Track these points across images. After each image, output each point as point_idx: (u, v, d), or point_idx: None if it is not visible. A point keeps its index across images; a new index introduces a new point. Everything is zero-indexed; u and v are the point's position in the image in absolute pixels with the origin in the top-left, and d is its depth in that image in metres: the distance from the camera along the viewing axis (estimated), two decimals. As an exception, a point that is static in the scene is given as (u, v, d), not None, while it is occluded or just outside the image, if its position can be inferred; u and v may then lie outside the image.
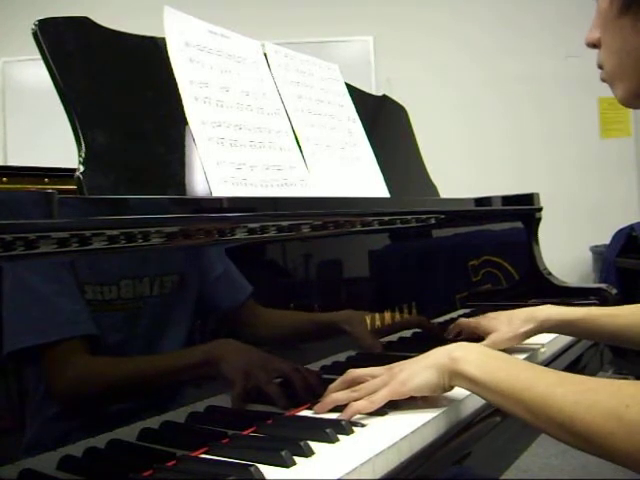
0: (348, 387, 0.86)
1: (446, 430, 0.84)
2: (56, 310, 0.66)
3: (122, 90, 0.92)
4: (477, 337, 1.16)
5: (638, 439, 0.62)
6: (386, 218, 1.16)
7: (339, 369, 0.92)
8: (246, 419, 0.80)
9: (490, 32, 4.17)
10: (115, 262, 0.72)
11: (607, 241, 3.58)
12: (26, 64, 3.94)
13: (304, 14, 4.16)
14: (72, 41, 0.87)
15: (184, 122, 0.96)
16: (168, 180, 0.92)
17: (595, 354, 1.41)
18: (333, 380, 0.89)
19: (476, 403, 0.89)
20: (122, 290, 0.72)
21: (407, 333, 1.19)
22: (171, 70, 0.99)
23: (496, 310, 1.22)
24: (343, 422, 0.77)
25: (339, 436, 0.74)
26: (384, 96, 1.67)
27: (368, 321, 1.08)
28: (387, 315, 1.12)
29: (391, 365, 0.87)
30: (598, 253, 3.84)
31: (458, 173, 3.52)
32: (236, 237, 0.84)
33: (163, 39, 1.01)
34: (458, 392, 0.86)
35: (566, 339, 1.29)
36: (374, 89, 3.91)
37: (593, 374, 1.39)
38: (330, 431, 0.74)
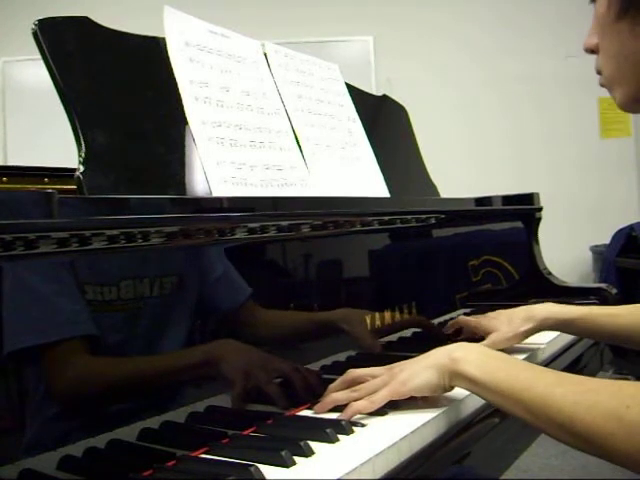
0: (348, 387, 0.86)
1: (446, 430, 0.84)
2: (56, 310, 0.66)
3: (122, 90, 0.92)
4: (477, 337, 1.16)
5: (638, 440, 0.62)
6: (386, 218, 1.16)
7: (339, 369, 0.92)
8: (246, 419, 0.80)
9: (490, 32, 4.17)
10: (115, 263, 0.72)
11: (607, 241, 3.58)
12: (26, 64, 3.94)
13: (304, 14, 4.16)
14: (72, 41, 0.87)
15: (184, 122, 0.96)
16: (168, 180, 0.92)
17: (595, 354, 1.41)
18: (333, 380, 0.89)
19: (476, 403, 0.89)
20: (122, 291, 0.72)
21: (407, 333, 1.19)
22: (171, 70, 0.99)
23: (496, 310, 1.22)
24: (343, 422, 0.77)
25: (339, 436, 0.74)
26: (384, 96, 1.67)
27: (368, 321, 1.08)
28: (387, 315, 1.12)
29: (391, 365, 0.87)
30: (598, 253, 3.84)
31: (458, 173, 3.52)
32: (236, 237, 0.84)
33: (163, 39, 1.01)
34: (458, 392, 0.86)
35: (566, 339, 1.29)
36: (374, 89, 3.91)
37: (593, 374, 1.39)
38: (330, 431, 0.74)
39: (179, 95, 0.97)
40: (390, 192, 1.35)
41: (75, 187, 0.79)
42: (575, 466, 2.38)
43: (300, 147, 1.16)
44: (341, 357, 1.02)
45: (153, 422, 0.72)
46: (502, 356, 0.83)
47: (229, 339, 0.84)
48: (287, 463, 0.67)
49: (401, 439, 0.74)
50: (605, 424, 0.64)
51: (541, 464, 2.42)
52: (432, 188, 1.71)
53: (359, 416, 0.81)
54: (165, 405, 0.75)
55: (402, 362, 0.87)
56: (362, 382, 0.86)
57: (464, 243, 1.50)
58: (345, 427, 0.76)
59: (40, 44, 0.83)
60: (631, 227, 3.42)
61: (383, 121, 1.63)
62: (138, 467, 0.66)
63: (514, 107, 4.13)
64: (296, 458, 0.68)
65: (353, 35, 4.23)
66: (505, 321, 1.14)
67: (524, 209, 1.71)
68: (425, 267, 1.34)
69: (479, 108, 4.13)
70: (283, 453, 0.67)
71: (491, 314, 1.19)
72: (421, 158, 1.72)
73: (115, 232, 0.68)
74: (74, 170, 0.80)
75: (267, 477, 0.64)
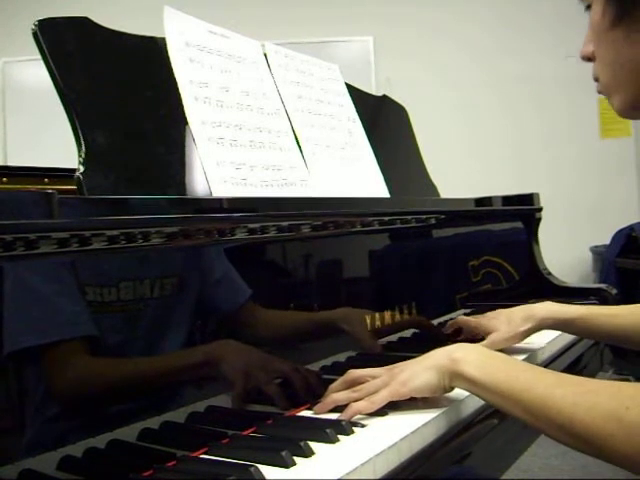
0: (348, 387, 0.86)
1: (446, 430, 0.84)
2: (56, 311, 0.66)
3: (122, 90, 0.92)
4: (477, 337, 1.16)
5: (638, 441, 0.62)
6: (386, 218, 1.16)
7: (339, 369, 0.92)
8: (246, 419, 0.80)
9: (490, 32, 4.17)
10: (116, 264, 0.72)
11: (607, 241, 3.58)
12: (26, 64, 3.94)
13: (304, 14, 4.16)
14: (72, 41, 0.87)
15: (184, 122, 0.96)
16: (168, 180, 0.92)
17: (595, 354, 1.41)
18: (333, 380, 0.89)
19: (476, 403, 0.89)
20: (122, 292, 0.72)
21: (407, 333, 1.19)
22: (171, 70, 0.99)
23: (496, 310, 1.22)
24: (343, 422, 0.77)
25: (339, 436, 0.74)
26: (384, 96, 1.67)
27: (368, 321, 1.08)
28: (387, 315, 1.12)
29: (391, 366, 0.87)
30: (598, 253, 3.84)
31: (458, 173, 3.51)
32: (236, 237, 0.84)
33: (163, 39, 1.01)
34: (458, 392, 0.86)
35: (566, 339, 1.29)
36: (374, 89, 3.91)
37: (593, 374, 1.39)
38: (330, 431, 0.74)
39: (179, 95, 0.97)
40: (390, 192, 1.35)
41: (75, 187, 0.79)
42: (575, 466, 2.38)
43: (300, 147, 1.16)
44: (341, 357, 1.02)
45: (153, 422, 0.72)
46: (502, 357, 0.83)
47: (229, 339, 0.84)
48: (287, 463, 0.67)
49: (401, 439, 0.74)
50: (605, 425, 0.64)
51: (541, 464, 2.42)
52: (432, 188, 1.71)
53: (359, 416, 0.81)
54: (165, 405, 0.75)
55: (402, 363, 0.87)
56: (362, 382, 0.86)
57: (464, 243, 1.50)
58: (345, 427, 0.76)
59: (40, 44, 0.83)
60: (631, 227, 3.42)
61: (383, 121, 1.63)
62: (138, 467, 0.66)
63: (514, 107, 4.13)
64: (296, 458, 0.68)
65: (353, 35, 4.23)
66: (505, 321, 1.14)
67: (524, 209, 1.71)
68: (425, 267, 1.34)
69: (479, 108, 4.13)
70: (283, 453, 0.67)
71: (491, 314, 1.19)
72: (421, 158, 1.72)
73: (115, 232, 0.68)
74: (74, 170, 0.80)
75: (267, 477, 0.64)
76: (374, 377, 0.86)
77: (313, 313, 0.99)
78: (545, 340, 1.21)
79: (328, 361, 0.99)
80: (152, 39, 1.00)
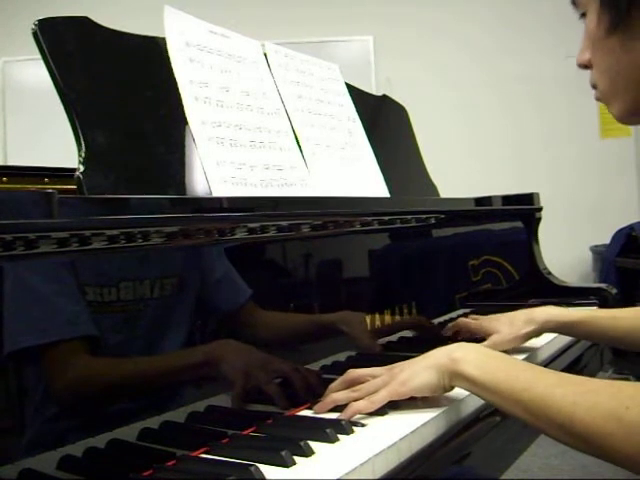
0: (348, 387, 0.86)
1: (446, 430, 0.84)
2: (56, 310, 0.66)
3: (122, 90, 0.92)
4: (478, 337, 1.16)
5: (637, 440, 0.62)
6: (386, 218, 1.16)
7: (339, 369, 0.92)
8: (246, 419, 0.80)
9: (490, 32, 4.17)
10: (115, 264, 0.72)
11: (607, 241, 3.58)
12: (26, 64, 3.94)
13: (304, 14, 4.16)
14: (72, 41, 0.87)
15: (184, 122, 0.96)
16: (168, 180, 0.92)
17: (595, 354, 1.41)
18: (333, 380, 0.89)
19: (476, 403, 0.89)
20: (122, 292, 0.72)
21: (407, 333, 1.19)
22: (171, 70, 0.99)
23: (496, 310, 1.22)
24: (343, 422, 0.77)
25: (339, 436, 0.74)
26: (384, 96, 1.67)
27: (368, 321, 1.08)
28: (387, 315, 1.12)
29: (391, 365, 0.87)
30: (598, 253, 3.84)
31: (458, 173, 3.52)
32: (236, 237, 0.84)
33: (163, 39, 1.01)
34: (458, 392, 0.86)
35: (566, 339, 1.29)
36: (374, 89, 3.91)
37: (593, 374, 1.39)
38: (330, 431, 0.74)
39: (179, 95, 0.97)
40: (390, 192, 1.35)
41: (75, 187, 0.79)
42: (575, 466, 2.38)
43: (300, 147, 1.16)
44: (341, 357, 1.02)
45: (153, 422, 0.72)
46: (502, 356, 0.83)
47: (229, 339, 0.84)
48: (287, 463, 0.67)
49: (401, 439, 0.74)
50: (604, 425, 0.64)
51: (541, 464, 2.42)
52: (432, 188, 1.71)
53: (359, 416, 0.81)
54: (165, 405, 0.75)
55: (402, 362, 0.87)
56: (362, 382, 0.86)
57: (464, 243, 1.50)
58: (345, 427, 0.76)
59: (40, 44, 0.83)
60: (631, 227, 3.42)
61: (383, 121, 1.63)
62: (138, 467, 0.66)
63: (514, 107, 4.13)
64: (296, 458, 0.68)
65: (353, 35, 4.23)
66: (506, 323, 1.14)
67: (524, 209, 1.71)
68: (425, 267, 1.34)
69: (479, 108, 4.13)
70: (283, 453, 0.67)
71: (492, 316, 1.19)
72: (421, 158, 1.72)
73: (115, 232, 0.68)
74: (74, 170, 0.80)
75: (267, 477, 0.64)
76: (374, 377, 0.86)
77: (313, 315, 0.99)
78: (545, 340, 1.21)
79: (328, 361, 0.99)
80: (152, 39, 1.00)
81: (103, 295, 0.70)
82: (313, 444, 0.71)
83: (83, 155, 0.80)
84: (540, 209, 1.74)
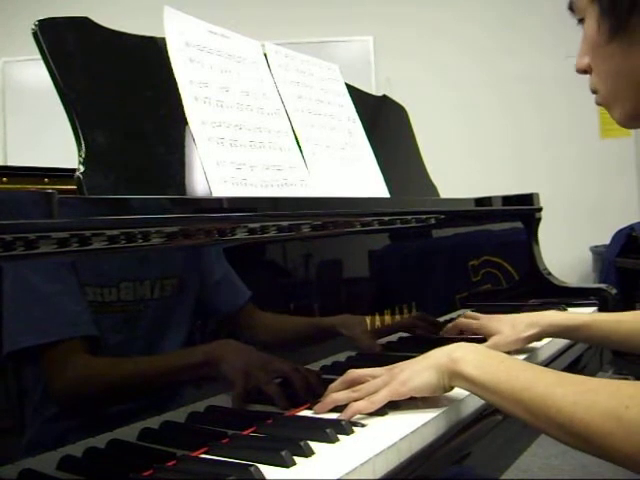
0: (348, 387, 0.86)
1: (446, 430, 0.84)
2: (56, 310, 0.66)
3: (122, 90, 0.92)
4: (479, 338, 1.16)
5: (637, 439, 0.62)
6: (386, 218, 1.16)
7: (339, 369, 0.92)
8: (246, 419, 0.80)
9: (490, 32, 4.17)
10: (116, 264, 0.72)
11: (607, 241, 3.58)
12: (26, 64, 3.94)
13: (304, 14, 4.16)
14: (72, 41, 0.87)
15: (184, 122, 0.96)
16: (168, 180, 0.92)
17: (595, 354, 1.41)
18: (333, 380, 0.89)
19: (476, 403, 0.89)
20: (122, 292, 0.72)
21: (407, 333, 1.19)
22: (171, 70, 0.99)
23: (496, 310, 1.22)
24: (343, 422, 0.77)
25: (339, 436, 0.74)
26: (384, 96, 1.67)
27: (368, 322, 1.08)
28: (387, 315, 1.12)
29: (391, 366, 0.87)
30: (598, 253, 3.84)
31: (458, 173, 3.52)
32: (236, 237, 0.84)
33: (163, 39, 1.01)
34: (458, 392, 0.86)
35: (566, 340, 1.29)
36: (374, 89, 3.91)
37: (593, 374, 1.39)
38: (330, 431, 0.74)
39: (179, 95, 0.97)
40: (390, 192, 1.35)
41: (75, 187, 0.79)
42: (575, 466, 2.38)
43: (300, 147, 1.16)
44: (341, 357, 1.02)
45: (153, 422, 0.72)
46: (502, 356, 0.83)
47: (229, 339, 0.84)
48: (287, 463, 0.67)
49: (401, 439, 0.74)
50: (604, 424, 0.64)
51: (541, 464, 2.42)
52: (432, 188, 1.71)
53: (359, 416, 0.81)
54: (165, 405, 0.75)
55: (402, 362, 0.87)
56: (362, 382, 0.86)
57: (464, 243, 1.50)
58: (345, 427, 0.76)
59: (40, 44, 0.83)
60: (631, 227, 3.42)
61: (383, 121, 1.63)
62: (138, 467, 0.66)
63: (514, 107, 4.13)
64: (296, 458, 0.68)
65: (353, 35, 4.23)
66: (508, 324, 1.14)
67: (524, 209, 1.71)
68: (425, 267, 1.34)
69: (479, 108, 4.13)
70: (283, 453, 0.67)
71: (494, 316, 1.18)
72: (421, 158, 1.72)
73: (115, 232, 0.68)
74: (74, 170, 0.80)
75: (267, 477, 0.64)
76: (374, 377, 0.86)
77: (313, 317, 0.99)
78: (545, 340, 1.21)
79: (328, 361, 0.99)
80: (152, 39, 1.00)
81: (103, 295, 0.70)
82: (313, 444, 0.71)
83: (83, 155, 0.80)
84: (540, 209, 1.74)
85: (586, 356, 1.36)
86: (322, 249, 1.03)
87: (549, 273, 1.69)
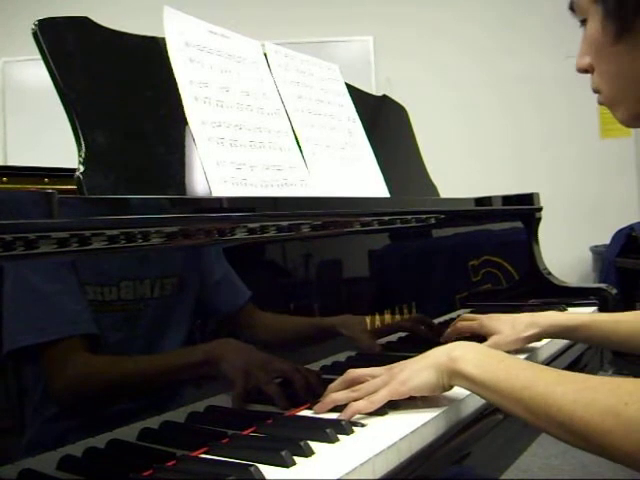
0: (348, 387, 0.86)
1: (446, 430, 0.84)
2: (56, 309, 0.66)
3: (122, 90, 0.92)
4: (479, 337, 1.16)
5: (636, 437, 0.62)
6: (386, 218, 1.16)
7: (339, 369, 0.92)
8: (246, 419, 0.80)
9: (490, 32, 4.17)
10: (116, 263, 0.72)
11: (607, 241, 3.58)
12: (26, 64, 3.94)
13: (304, 14, 4.16)
14: (72, 41, 0.87)
15: (184, 122, 0.96)
16: (168, 180, 0.92)
17: (595, 354, 1.41)
18: (333, 380, 0.89)
19: (476, 403, 0.89)
20: (122, 291, 0.72)
21: (407, 333, 1.19)
22: (171, 70, 0.99)
23: (496, 310, 1.22)
24: (343, 422, 0.77)
25: (339, 436, 0.74)
26: (384, 96, 1.67)
27: (368, 322, 1.08)
28: (387, 315, 1.12)
29: (391, 365, 0.87)
30: (598, 253, 3.84)
31: (458, 173, 3.52)
32: (236, 237, 0.84)
33: (163, 39, 1.01)
34: (458, 392, 0.86)
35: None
36: (374, 89, 3.91)
37: (593, 374, 1.39)
38: (330, 431, 0.74)
39: (179, 95, 0.97)
40: (390, 192, 1.35)
41: (75, 187, 0.79)
42: (575, 466, 2.38)
43: (300, 147, 1.16)
44: (341, 357, 1.02)
45: (153, 422, 0.72)
46: (501, 355, 0.83)
47: (229, 338, 0.84)
48: (287, 463, 0.67)
49: (401, 439, 0.74)
50: (603, 421, 0.64)
51: (541, 464, 2.42)
52: (432, 188, 1.71)
53: (359, 416, 0.81)
54: (165, 405, 0.75)
55: (402, 362, 0.87)
56: (362, 382, 0.86)
57: (464, 243, 1.50)
58: (345, 427, 0.76)
59: (40, 44, 0.83)
60: (631, 227, 3.42)
61: (383, 121, 1.63)
62: (138, 467, 0.66)
63: (514, 107, 4.13)
64: (296, 458, 0.68)
65: (353, 35, 4.23)
66: (508, 324, 1.14)
67: (524, 209, 1.71)
68: (425, 267, 1.34)
69: (479, 108, 4.13)
70: (283, 453, 0.67)
71: (494, 315, 1.18)
72: (421, 158, 1.72)
73: (115, 232, 0.68)
74: (74, 170, 0.80)
75: (267, 477, 0.64)
76: (373, 376, 0.86)
77: (313, 317, 0.99)
78: (545, 340, 1.21)
79: (328, 361, 0.99)
80: (152, 39, 1.00)
81: (104, 294, 0.70)
82: (313, 444, 0.71)
83: (83, 155, 0.80)
84: (540, 209, 1.74)
85: (586, 356, 1.36)
86: (322, 249, 1.03)
87: (549, 273, 1.69)
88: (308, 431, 0.75)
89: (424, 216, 1.27)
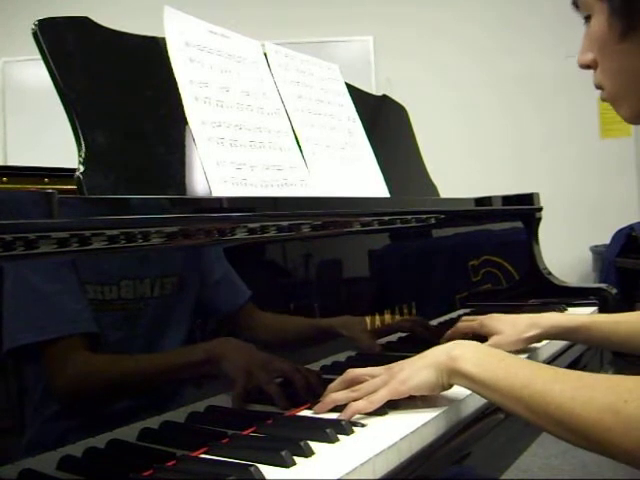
0: (347, 387, 0.86)
1: (446, 430, 0.84)
2: (56, 308, 0.66)
3: (122, 90, 0.92)
4: (479, 337, 1.16)
5: (636, 435, 0.62)
6: (386, 218, 1.16)
7: (339, 369, 0.92)
8: (246, 419, 0.80)
9: (490, 32, 4.17)
10: (116, 262, 0.72)
11: (607, 241, 3.59)
12: (26, 64, 3.94)
13: (304, 14, 4.16)
14: (72, 41, 0.87)
15: (184, 122, 0.96)
16: (168, 180, 0.92)
17: (595, 354, 1.41)
18: (333, 380, 0.89)
19: (476, 403, 0.89)
20: (122, 290, 0.72)
21: (407, 333, 1.19)
22: (171, 70, 0.99)
23: (496, 310, 1.22)
24: (343, 422, 0.77)
25: (339, 436, 0.74)
26: (384, 96, 1.67)
27: (368, 322, 1.08)
28: (387, 315, 1.12)
29: (390, 365, 0.87)
30: (598, 253, 3.84)
31: (458, 173, 3.52)
32: (236, 237, 0.84)
33: (163, 39, 1.01)
34: (458, 392, 0.86)
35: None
36: (374, 89, 3.91)
37: (593, 374, 1.38)
38: (330, 431, 0.74)
39: (179, 95, 0.97)
40: (390, 192, 1.35)
41: (75, 187, 0.79)
42: (575, 466, 2.38)
43: (300, 147, 1.16)
44: (341, 357, 1.02)
45: (153, 422, 0.72)
46: (500, 354, 0.83)
47: (230, 338, 0.84)
48: (287, 463, 0.67)
49: (401, 439, 0.74)
50: (602, 419, 0.64)
51: (541, 464, 2.42)
52: (432, 188, 1.71)
53: (359, 416, 0.81)
54: (165, 405, 0.75)
55: (401, 361, 0.87)
56: (361, 382, 0.86)
57: (464, 243, 1.50)
58: (345, 427, 0.76)
59: (40, 44, 0.83)
60: (631, 227, 3.43)
61: (383, 121, 1.63)
62: (138, 467, 0.66)
63: (514, 107, 4.13)
64: (296, 458, 0.68)
65: (353, 35, 4.23)
66: (509, 324, 1.14)
67: (524, 209, 1.71)
68: (425, 267, 1.34)
69: (479, 108, 4.13)
70: (283, 453, 0.67)
71: (494, 315, 1.18)
72: (421, 158, 1.72)
73: (115, 232, 0.68)
74: (74, 170, 0.80)
75: (267, 477, 0.64)
76: (373, 376, 0.86)
77: (313, 318, 0.99)
78: (544, 340, 1.21)
79: (328, 361, 0.99)
80: (152, 39, 1.00)
81: (104, 293, 0.70)
82: (313, 444, 0.71)
83: (83, 155, 0.80)
84: (540, 209, 1.74)
85: (586, 356, 1.36)
86: (322, 249, 1.03)
87: (549, 273, 1.69)
88: (308, 431, 0.75)
89: (424, 216, 1.27)
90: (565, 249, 3.75)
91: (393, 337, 1.15)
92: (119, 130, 0.88)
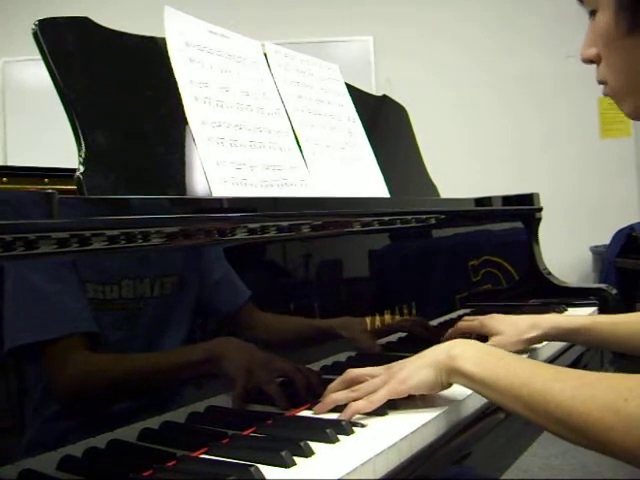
0: (347, 387, 0.86)
1: (446, 430, 0.84)
2: (56, 308, 0.66)
3: (122, 90, 0.92)
4: (480, 337, 1.16)
5: (637, 433, 0.62)
6: (386, 218, 1.16)
7: (339, 369, 0.92)
8: (246, 419, 0.80)
9: (490, 32, 4.17)
10: (116, 262, 0.72)
11: (607, 241, 3.58)
12: (26, 64, 3.94)
13: (304, 14, 4.16)
14: (72, 41, 0.87)
15: (184, 122, 0.96)
16: (168, 180, 0.92)
17: (595, 354, 1.41)
18: (333, 380, 0.89)
19: (476, 403, 0.89)
20: (123, 290, 0.72)
21: (407, 333, 1.19)
22: (171, 70, 0.99)
23: (496, 310, 1.22)
24: (343, 422, 0.77)
25: (339, 436, 0.74)
26: (384, 96, 1.67)
27: (368, 322, 1.08)
28: (387, 316, 1.12)
29: (390, 364, 0.87)
30: (598, 253, 3.84)
31: (458, 173, 3.52)
32: (236, 237, 0.84)
33: (163, 39, 1.01)
34: (458, 392, 0.86)
35: (566, 339, 1.29)
36: (374, 89, 3.91)
37: (593, 374, 1.38)
38: (330, 431, 0.74)
39: (179, 95, 0.97)
40: (390, 192, 1.35)
41: (75, 187, 0.79)
42: (575, 466, 2.38)
43: (300, 147, 1.16)
44: (341, 357, 1.02)
45: (153, 422, 0.72)
46: (500, 352, 0.83)
47: (230, 337, 0.84)
48: (287, 463, 0.67)
49: (401, 439, 0.74)
50: (603, 417, 0.64)
51: (541, 464, 2.42)
52: (432, 188, 1.71)
53: (359, 416, 0.81)
54: (165, 405, 0.75)
55: (401, 361, 0.87)
56: (361, 382, 0.86)
57: (464, 243, 1.50)
58: (345, 427, 0.76)
59: (40, 44, 0.83)
60: (631, 227, 3.42)
61: (383, 121, 1.63)
62: (138, 467, 0.66)
63: (514, 107, 4.13)
64: (296, 458, 0.68)
65: (353, 35, 4.23)
66: (510, 325, 1.14)
67: (524, 209, 1.71)
68: (425, 267, 1.34)
69: (479, 108, 4.13)
70: (283, 453, 0.67)
71: (495, 315, 1.18)
72: (421, 158, 1.72)
73: (115, 232, 0.68)
74: (74, 170, 0.80)
75: (267, 477, 0.64)
76: (373, 376, 0.86)
77: (313, 319, 0.99)
78: (545, 341, 1.21)
79: (329, 361, 0.99)
80: (152, 39, 1.00)
81: (104, 293, 0.70)
82: (313, 444, 0.71)
83: (83, 155, 0.80)
84: (540, 209, 1.74)
85: (586, 356, 1.36)
86: (322, 249, 1.03)
87: (549, 273, 1.69)
88: (308, 431, 0.75)
89: (424, 216, 1.27)
90: (565, 249, 3.75)
91: (393, 337, 1.15)
92: (119, 130, 0.88)
